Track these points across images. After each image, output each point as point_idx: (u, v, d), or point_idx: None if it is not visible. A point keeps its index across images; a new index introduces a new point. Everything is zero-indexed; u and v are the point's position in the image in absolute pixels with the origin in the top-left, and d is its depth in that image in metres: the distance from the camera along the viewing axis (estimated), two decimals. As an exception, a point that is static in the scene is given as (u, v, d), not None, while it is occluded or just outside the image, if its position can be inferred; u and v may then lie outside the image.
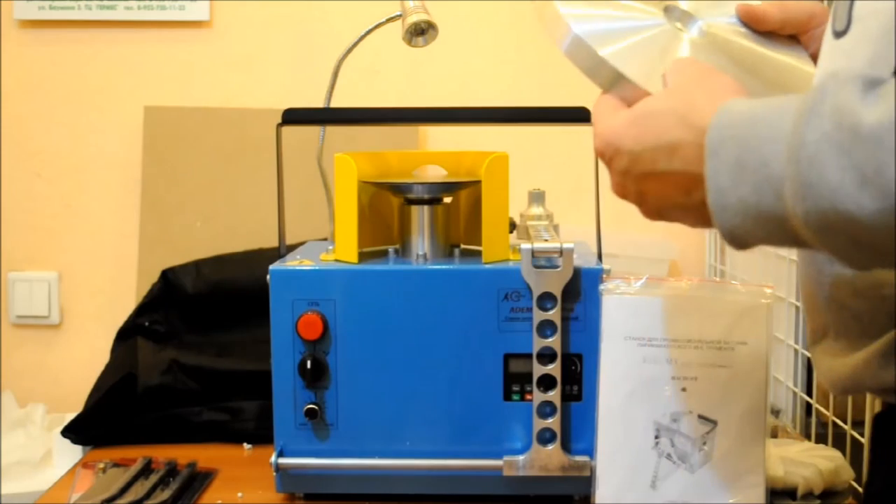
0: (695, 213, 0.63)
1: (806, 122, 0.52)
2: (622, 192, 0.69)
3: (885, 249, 0.51)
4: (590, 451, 1.01)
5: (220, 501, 1.07)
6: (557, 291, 1.00)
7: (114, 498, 1.05)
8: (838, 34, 0.65)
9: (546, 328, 1.01)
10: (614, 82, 0.70)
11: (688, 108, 0.62)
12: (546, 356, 1.01)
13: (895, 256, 0.51)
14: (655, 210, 0.68)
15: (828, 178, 0.51)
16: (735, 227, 0.57)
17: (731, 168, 0.56)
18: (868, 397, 0.98)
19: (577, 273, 1.01)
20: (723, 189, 0.57)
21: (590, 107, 1.02)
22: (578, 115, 1.02)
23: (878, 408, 0.77)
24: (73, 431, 1.26)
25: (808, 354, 0.77)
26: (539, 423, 1.02)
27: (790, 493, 1.02)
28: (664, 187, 0.64)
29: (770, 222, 0.55)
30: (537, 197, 1.25)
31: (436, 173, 1.20)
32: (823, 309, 0.69)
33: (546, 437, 1.02)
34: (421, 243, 1.08)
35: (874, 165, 0.49)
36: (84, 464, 1.19)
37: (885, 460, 0.70)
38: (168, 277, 1.43)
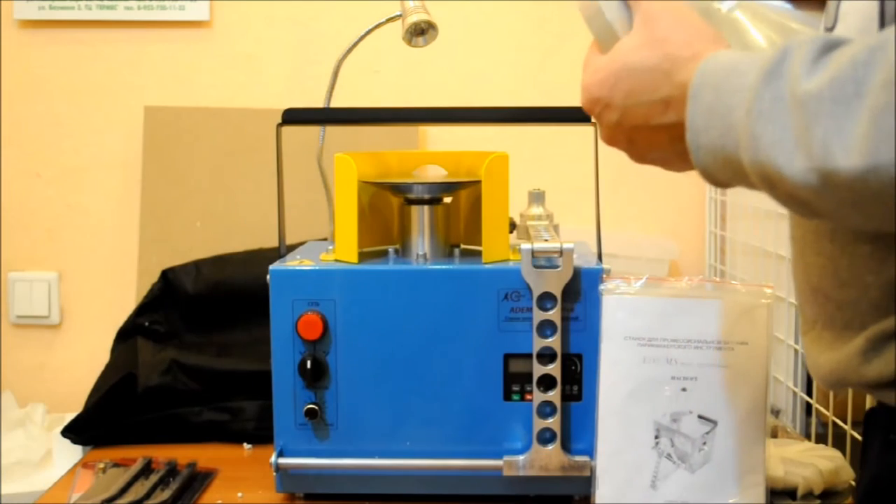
0: (682, 157, 0.66)
1: (766, 78, 0.55)
2: (612, 141, 0.72)
3: (817, 207, 0.55)
4: (590, 451, 1.01)
5: (220, 501, 1.07)
6: (557, 291, 1.00)
7: (114, 498, 1.05)
8: (828, 31, 0.67)
9: (546, 328, 1.01)
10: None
11: (671, 63, 0.64)
12: (546, 356, 1.01)
13: (828, 214, 0.55)
14: (644, 155, 0.71)
15: (769, 134, 0.54)
16: (707, 165, 0.61)
17: (705, 112, 0.60)
18: (868, 396, 0.98)
19: (577, 273, 1.01)
20: (697, 130, 0.61)
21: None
22: (578, 115, 1.02)
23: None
24: (73, 431, 1.26)
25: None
26: (539, 423, 1.02)
27: (790, 493, 1.02)
28: (656, 136, 0.67)
29: (732, 166, 0.59)
30: (537, 197, 1.25)
31: (436, 173, 1.20)
32: (811, 300, 0.70)
33: (546, 437, 1.02)
34: (421, 243, 1.08)
35: (802, 128, 0.53)
36: (84, 464, 1.19)
37: (871, 456, 0.71)
38: (168, 277, 1.43)
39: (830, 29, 0.66)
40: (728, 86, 0.58)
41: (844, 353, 0.66)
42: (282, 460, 1.04)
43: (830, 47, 0.54)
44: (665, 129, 0.66)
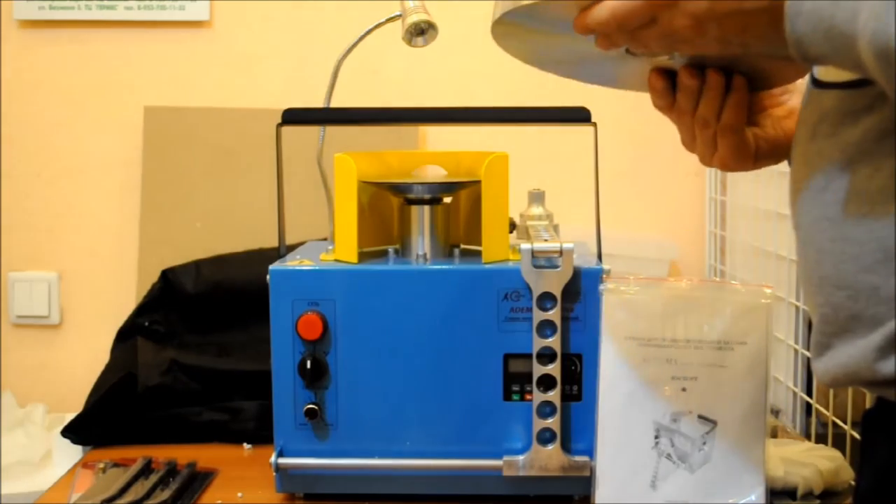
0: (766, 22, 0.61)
1: None
2: (699, 31, 0.65)
3: None
4: (590, 451, 1.01)
5: (220, 501, 1.07)
6: (557, 291, 1.00)
7: (114, 498, 1.05)
8: None
9: (546, 328, 1.01)
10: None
11: None
12: (546, 356, 1.01)
13: None
14: (732, 40, 0.65)
15: None
16: (803, 35, 0.57)
17: None
18: (868, 396, 0.98)
19: (577, 273, 1.01)
20: None
21: (590, 107, 1.03)
22: (578, 115, 1.02)
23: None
24: (73, 431, 1.26)
25: (809, 354, 0.77)
26: (539, 423, 1.02)
27: (790, 493, 1.02)
28: (748, 22, 0.62)
29: (837, 38, 0.55)
30: (537, 197, 1.25)
31: (436, 173, 1.20)
32: (816, 291, 0.68)
33: (546, 437, 1.02)
34: (421, 243, 1.08)
35: None
36: (84, 464, 1.19)
37: (879, 456, 0.70)
38: (168, 277, 1.43)
39: None
40: None
41: (858, 349, 0.64)
42: (282, 460, 1.04)
43: None
44: (756, 14, 0.60)
